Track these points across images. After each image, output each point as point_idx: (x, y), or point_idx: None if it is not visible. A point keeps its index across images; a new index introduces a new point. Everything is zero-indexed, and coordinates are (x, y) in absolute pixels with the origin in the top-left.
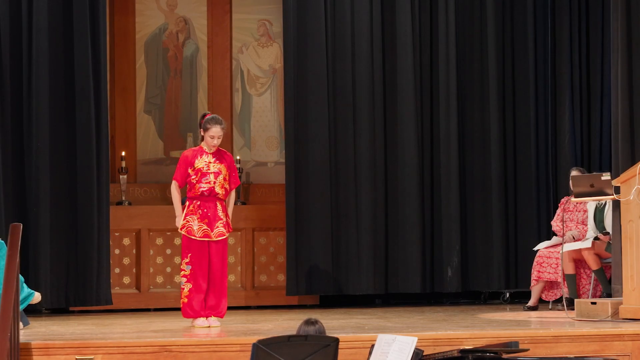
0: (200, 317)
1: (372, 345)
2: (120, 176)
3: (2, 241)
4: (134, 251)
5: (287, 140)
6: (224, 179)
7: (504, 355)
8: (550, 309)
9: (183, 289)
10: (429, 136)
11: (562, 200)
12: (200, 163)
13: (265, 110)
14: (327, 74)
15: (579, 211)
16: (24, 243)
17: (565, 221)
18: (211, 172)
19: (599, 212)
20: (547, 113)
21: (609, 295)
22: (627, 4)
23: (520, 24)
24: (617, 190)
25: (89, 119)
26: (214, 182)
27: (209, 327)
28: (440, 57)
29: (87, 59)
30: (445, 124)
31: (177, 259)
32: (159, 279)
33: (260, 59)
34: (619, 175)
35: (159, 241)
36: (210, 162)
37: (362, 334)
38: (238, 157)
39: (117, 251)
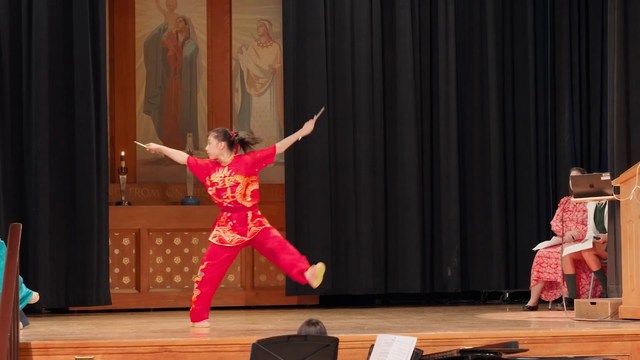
0: (203, 319)
1: (372, 346)
2: (120, 176)
3: (2, 241)
4: (134, 251)
5: None
6: (245, 187)
7: (504, 355)
8: (550, 309)
9: (193, 294)
10: (428, 136)
11: (562, 200)
12: (215, 178)
13: (265, 110)
14: (327, 74)
15: (579, 211)
16: (24, 243)
17: (565, 221)
18: (227, 187)
19: (599, 212)
20: (546, 113)
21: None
22: (624, 5)
23: (520, 24)
24: (616, 190)
25: (89, 119)
26: (233, 196)
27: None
28: (440, 57)
29: (87, 59)
30: (445, 123)
31: (176, 259)
32: (159, 279)
33: (259, 59)
34: (615, 174)
35: (159, 241)
36: (225, 177)
37: (362, 334)
38: None
39: (116, 251)
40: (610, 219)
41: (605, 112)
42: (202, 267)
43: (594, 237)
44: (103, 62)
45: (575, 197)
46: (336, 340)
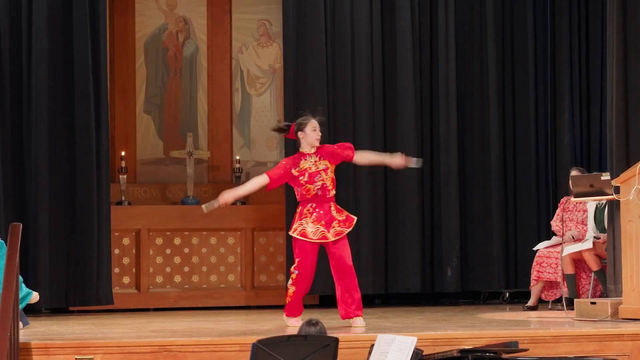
0: (296, 316)
1: (372, 345)
2: (120, 176)
3: (2, 241)
4: (134, 251)
5: (286, 140)
6: (332, 173)
7: (504, 355)
8: (550, 309)
9: (288, 290)
10: (428, 136)
11: (562, 200)
12: (306, 164)
13: (265, 110)
14: (327, 74)
15: (579, 211)
16: (24, 243)
17: (565, 221)
18: (321, 170)
19: (599, 212)
20: (546, 113)
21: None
22: (623, 5)
23: (520, 24)
24: (616, 190)
25: (89, 119)
26: (324, 179)
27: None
28: (440, 57)
29: (87, 59)
30: (445, 123)
31: (176, 259)
32: (159, 279)
33: (259, 59)
34: (615, 174)
35: (159, 241)
36: (316, 161)
37: (362, 334)
38: (238, 157)
39: (116, 251)
40: (610, 219)
41: (605, 112)
42: (295, 264)
43: (594, 237)
44: (103, 62)
45: (575, 197)
46: (336, 340)
